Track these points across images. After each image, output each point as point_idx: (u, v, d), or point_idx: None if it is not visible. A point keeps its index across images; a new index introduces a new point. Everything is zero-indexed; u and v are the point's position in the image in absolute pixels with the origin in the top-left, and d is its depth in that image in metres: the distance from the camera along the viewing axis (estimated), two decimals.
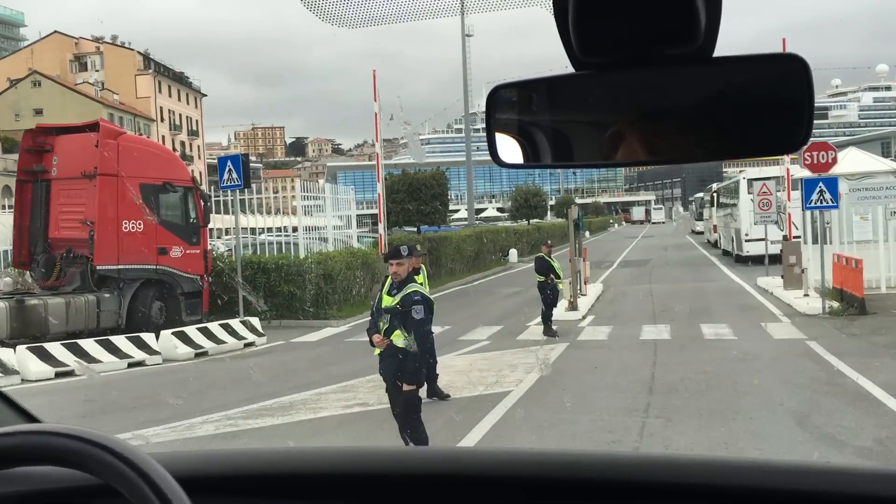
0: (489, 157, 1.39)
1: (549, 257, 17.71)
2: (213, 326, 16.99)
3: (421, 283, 9.38)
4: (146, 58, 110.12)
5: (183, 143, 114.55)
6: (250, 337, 17.45)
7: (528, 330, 18.31)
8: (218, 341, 16.67)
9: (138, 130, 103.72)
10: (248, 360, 15.84)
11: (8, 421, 1.70)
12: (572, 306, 20.01)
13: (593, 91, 1.31)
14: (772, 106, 1.25)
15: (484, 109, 1.36)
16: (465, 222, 48.10)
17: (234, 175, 17.65)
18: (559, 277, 17.64)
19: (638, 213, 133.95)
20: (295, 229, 25.69)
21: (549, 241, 18.81)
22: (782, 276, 22.80)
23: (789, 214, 23.40)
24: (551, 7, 1.21)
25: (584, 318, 19.76)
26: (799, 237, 23.90)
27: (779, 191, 26.65)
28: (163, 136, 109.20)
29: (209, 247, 19.67)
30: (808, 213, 21.80)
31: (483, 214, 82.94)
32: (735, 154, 1.33)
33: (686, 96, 1.26)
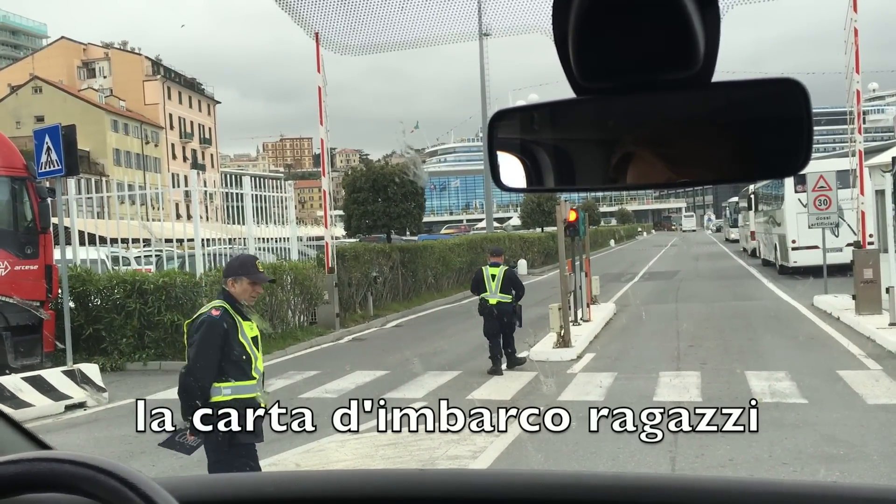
0: None
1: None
2: (12, 380, 11.40)
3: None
4: (156, 63, 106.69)
5: (195, 151, 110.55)
6: (79, 395, 11.81)
7: (495, 378, 12.72)
8: (18, 404, 11.11)
9: (145, 138, 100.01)
10: (51, 437, 10.33)
11: (17, 447, 1.68)
12: (563, 342, 14.29)
13: (594, 116, 1.28)
14: (771, 129, 1.22)
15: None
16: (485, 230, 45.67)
17: (54, 156, 12.08)
18: (483, 290, 13.05)
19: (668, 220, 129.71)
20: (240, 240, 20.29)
21: (495, 250, 13.60)
22: (854, 297, 16.94)
23: (863, 213, 17.51)
24: (552, 33, 1.20)
25: (578, 358, 14.05)
26: (872, 243, 18.08)
27: (838, 186, 20.91)
28: (172, 144, 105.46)
29: (57, 260, 14.12)
30: (889, 211, 16.12)
31: (506, 224, 79.07)
32: (736, 177, 1.28)
33: (686, 121, 1.24)
